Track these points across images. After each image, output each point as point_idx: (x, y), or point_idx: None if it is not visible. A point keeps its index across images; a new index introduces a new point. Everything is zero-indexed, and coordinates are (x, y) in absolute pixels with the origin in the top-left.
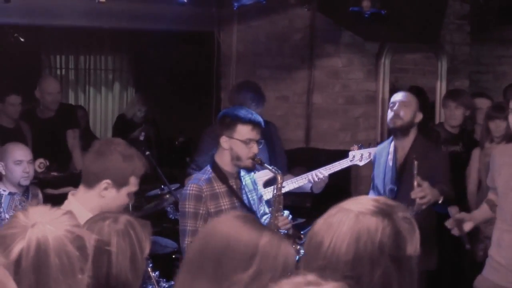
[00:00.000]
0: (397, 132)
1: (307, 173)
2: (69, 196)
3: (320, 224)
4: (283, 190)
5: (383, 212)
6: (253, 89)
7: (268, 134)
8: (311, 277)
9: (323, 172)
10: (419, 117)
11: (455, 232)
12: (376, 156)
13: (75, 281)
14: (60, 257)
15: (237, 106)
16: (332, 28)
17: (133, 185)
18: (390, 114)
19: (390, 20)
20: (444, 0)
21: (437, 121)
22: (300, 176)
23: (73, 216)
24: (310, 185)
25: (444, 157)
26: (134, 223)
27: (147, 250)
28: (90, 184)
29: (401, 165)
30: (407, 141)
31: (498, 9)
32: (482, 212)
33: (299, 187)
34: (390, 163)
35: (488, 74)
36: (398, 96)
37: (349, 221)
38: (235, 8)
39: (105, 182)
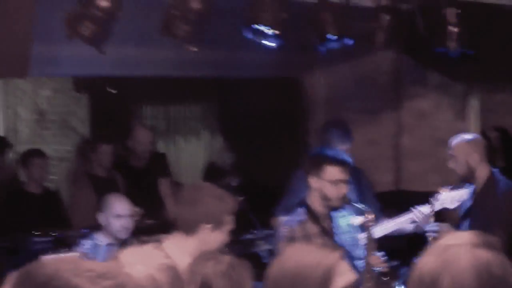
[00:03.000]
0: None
1: (407, 212)
2: (165, 241)
3: (430, 262)
4: (384, 232)
5: (491, 246)
6: (340, 126)
7: (357, 178)
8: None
9: (425, 209)
10: (475, 159)
11: None
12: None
13: None
14: None
15: (325, 146)
16: (418, 69)
17: (229, 223)
18: None
19: (476, 59)
20: None
21: None
22: (400, 216)
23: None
24: (410, 226)
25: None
26: (235, 264)
27: None
28: (189, 232)
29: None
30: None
31: None
32: None
33: (399, 229)
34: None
35: None
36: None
37: (466, 255)
38: (322, 53)
39: (205, 228)
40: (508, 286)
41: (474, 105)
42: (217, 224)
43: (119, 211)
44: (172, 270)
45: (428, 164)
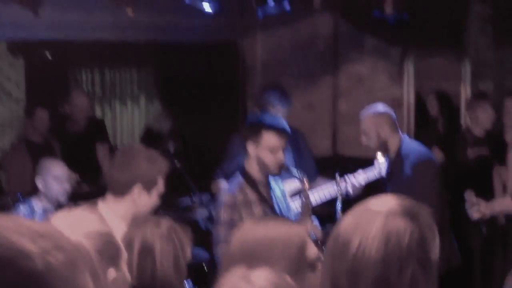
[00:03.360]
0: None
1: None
2: (99, 204)
3: (346, 224)
4: (318, 200)
5: (410, 214)
6: (278, 90)
7: (295, 141)
8: None
9: (359, 179)
10: (385, 131)
11: (473, 215)
12: None
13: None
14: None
15: (263, 109)
16: (355, 33)
17: (160, 185)
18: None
19: (412, 24)
20: (467, 3)
21: (463, 126)
22: (332, 182)
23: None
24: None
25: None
26: (176, 228)
27: (189, 255)
28: (120, 193)
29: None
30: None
31: None
32: (502, 203)
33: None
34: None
35: None
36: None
37: (378, 222)
38: (259, 18)
39: (137, 188)
40: (413, 256)
41: (409, 69)
42: (148, 185)
43: (58, 174)
44: (105, 236)
45: None
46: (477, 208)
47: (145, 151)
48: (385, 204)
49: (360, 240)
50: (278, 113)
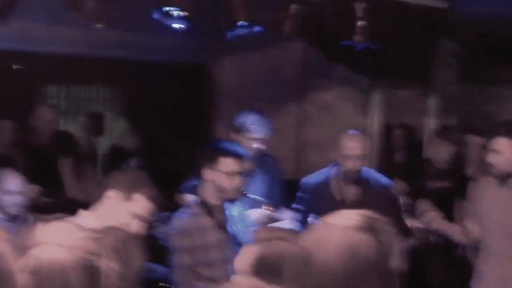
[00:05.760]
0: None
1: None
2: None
3: (307, 240)
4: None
5: (369, 227)
6: (257, 114)
7: (264, 166)
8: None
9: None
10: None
11: (418, 223)
12: None
13: None
14: (55, 285)
15: (239, 133)
16: (324, 62)
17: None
18: (347, 164)
19: (381, 55)
20: (435, 38)
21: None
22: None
23: (98, 242)
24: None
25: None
26: (126, 240)
27: (137, 268)
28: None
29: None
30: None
31: (489, 49)
32: (450, 226)
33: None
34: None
35: (478, 113)
36: (354, 150)
37: (337, 236)
38: (229, 41)
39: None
40: (372, 269)
41: (377, 100)
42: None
43: (8, 187)
44: (93, 271)
45: (329, 155)
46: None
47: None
48: (344, 218)
49: (320, 255)
50: (255, 138)
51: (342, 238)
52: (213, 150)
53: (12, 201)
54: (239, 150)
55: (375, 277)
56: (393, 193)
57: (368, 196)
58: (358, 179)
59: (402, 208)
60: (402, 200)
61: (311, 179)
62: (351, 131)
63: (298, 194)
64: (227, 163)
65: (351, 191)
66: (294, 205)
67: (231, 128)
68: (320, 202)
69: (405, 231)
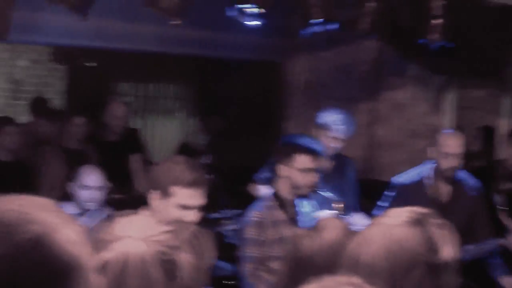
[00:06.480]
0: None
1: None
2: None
3: (356, 240)
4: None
5: (414, 221)
6: (341, 112)
7: (341, 166)
8: (355, 279)
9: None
10: None
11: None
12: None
13: None
14: (140, 278)
15: (321, 132)
16: (398, 60)
17: (178, 195)
18: (446, 163)
19: (456, 54)
20: (511, 37)
21: (499, 160)
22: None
23: (174, 236)
24: None
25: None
26: (198, 233)
27: (210, 262)
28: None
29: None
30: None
31: None
32: None
33: None
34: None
35: None
36: (454, 148)
37: (380, 234)
38: (301, 36)
39: (153, 196)
40: (420, 260)
41: (450, 99)
42: (163, 192)
43: (86, 182)
44: (170, 265)
45: (400, 155)
46: None
47: (168, 160)
48: (393, 216)
49: (367, 254)
50: (336, 138)
51: (384, 235)
52: (289, 146)
53: (89, 197)
54: (316, 147)
55: (423, 268)
56: (483, 193)
57: (461, 196)
58: (454, 179)
59: (498, 208)
60: (497, 199)
61: (405, 179)
62: (449, 130)
63: (387, 192)
64: (302, 160)
65: (446, 191)
66: (380, 203)
67: (313, 124)
68: (412, 202)
69: (502, 229)
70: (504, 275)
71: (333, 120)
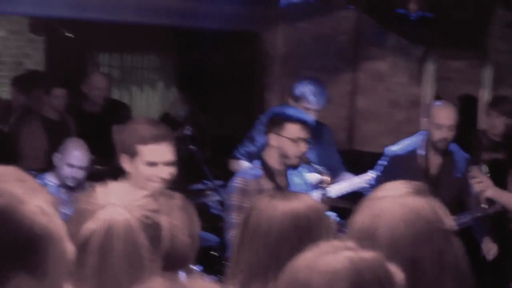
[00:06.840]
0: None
1: (363, 174)
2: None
3: (363, 218)
4: (339, 193)
5: (418, 192)
6: (317, 84)
7: (320, 135)
8: (350, 243)
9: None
10: None
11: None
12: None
13: (141, 269)
14: (126, 244)
15: (298, 100)
16: (377, 30)
17: (146, 154)
18: (438, 134)
19: (435, 24)
20: (491, 7)
21: (479, 129)
22: (356, 177)
23: (154, 200)
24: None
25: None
26: (187, 201)
27: (199, 229)
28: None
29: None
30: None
31: None
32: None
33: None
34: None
35: None
36: (446, 119)
37: (395, 205)
38: (280, 7)
39: (123, 158)
40: (434, 228)
41: (430, 70)
42: (131, 154)
43: (71, 160)
44: (155, 229)
45: (381, 125)
46: (482, 184)
47: (133, 121)
48: (392, 189)
49: (385, 227)
50: (312, 107)
51: (399, 205)
52: (280, 116)
53: (72, 175)
54: (305, 116)
55: (442, 235)
56: (472, 165)
57: (452, 168)
58: (445, 150)
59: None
60: (481, 169)
61: (398, 150)
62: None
63: (380, 161)
64: (292, 129)
65: (437, 162)
66: (371, 172)
67: (289, 95)
68: (404, 173)
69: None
70: (486, 240)
71: (308, 91)
